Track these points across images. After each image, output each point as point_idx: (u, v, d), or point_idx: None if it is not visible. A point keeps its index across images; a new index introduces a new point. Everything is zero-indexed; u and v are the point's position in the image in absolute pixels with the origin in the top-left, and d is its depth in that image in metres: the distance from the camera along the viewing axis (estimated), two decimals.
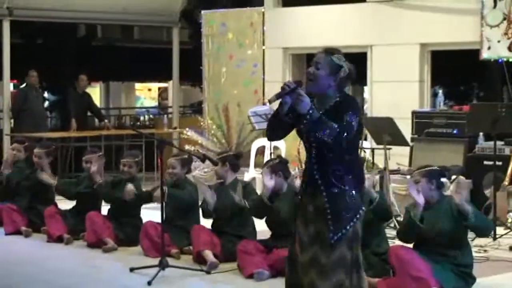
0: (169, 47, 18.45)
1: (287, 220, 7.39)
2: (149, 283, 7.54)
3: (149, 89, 35.02)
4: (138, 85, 34.31)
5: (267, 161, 8.76)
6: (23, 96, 14.92)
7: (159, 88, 34.08)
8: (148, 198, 9.11)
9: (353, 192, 5.41)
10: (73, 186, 9.98)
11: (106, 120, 16.51)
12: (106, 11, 15.42)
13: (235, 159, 8.81)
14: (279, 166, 8.14)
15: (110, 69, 25.59)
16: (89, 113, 16.24)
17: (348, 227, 5.35)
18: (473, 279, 7.22)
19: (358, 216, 5.39)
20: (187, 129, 12.70)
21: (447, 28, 12.78)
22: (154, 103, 33.44)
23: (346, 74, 5.47)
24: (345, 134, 5.27)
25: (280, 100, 5.32)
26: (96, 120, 16.86)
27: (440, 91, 12.39)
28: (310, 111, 5.19)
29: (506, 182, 10.08)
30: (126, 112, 27.73)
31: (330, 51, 5.55)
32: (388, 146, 10.57)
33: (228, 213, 8.44)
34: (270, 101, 5.34)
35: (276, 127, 5.54)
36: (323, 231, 5.34)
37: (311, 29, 14.33)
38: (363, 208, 5.48)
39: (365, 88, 33.29)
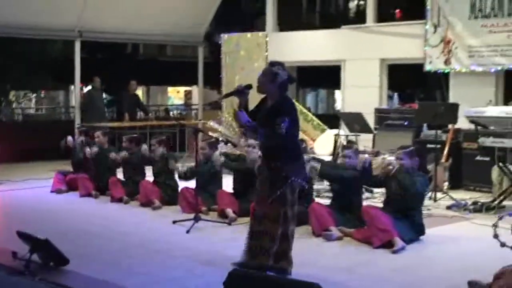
0: (192, 61, 18.50)
1: None
2: (188, 231, 7.60)
3: (178, 91, 34.93)
4: (169, 89, 34.28)
5: None
6: (89, 96, 14.93)
7: (185, 91, 34.00)
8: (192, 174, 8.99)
9: (285, 167, 5.55)
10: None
11: (150, 114, 16.55)
12: (147, 34, 15.39)
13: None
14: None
15: (149, 76, 25.58)
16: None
17: (279, 192, 5.52)
18: (423, 231, 7.24)
19: (286, 184, 5.54)
20: (210, 120, 12.76)
21: (399, 48, 12.84)
22: (181, 101, 33.34)
23: (282, 80, 5.58)
24: (279, 138, 5.50)
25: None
26: (143, 114, 16.81)
27: (395, 94, 12.39)
28: (246, 123, 5.60)
29: (443, 160, 10.15)
30: (160, 108, 27.83)
31: (272, 63, 5.77)
32: (357, 134, 10.65)
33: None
34: (220, 99, 5.64)
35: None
36: (264, 193, 5.59)
37: (301, 48, 14.37)
38: (294, 179, 5.58)
39: (336, 91, 33.52)
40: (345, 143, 10.59)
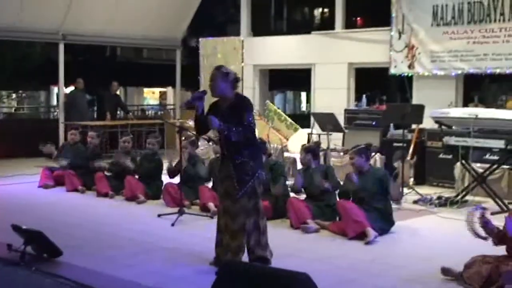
0: (167, 63, 18.38)
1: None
2: (173, 224, 7.56)
3: (153, 92, 34.76)
4: (145, 90, 34.07)
5: None
6: (72, 96, 14.77)
7: (160, 92, 33.85)
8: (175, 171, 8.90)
9: (251, 162, 5.55)
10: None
11: (130, 113, 16.41)
12: (125, 37, 15.29)
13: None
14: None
15: (126, 78, 25.38)
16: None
17: (248, 186, 5.53)
18: (393, 222, 7.31)
19: (254, 178, 5.56)
20: (189, 119, 12.66)
21: (366, 52, 12.91)
22: (156, 102, 33.16)
23: (233, 77, 5.62)
24: (247, 132, 5.54)
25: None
26: (123, 113, 16.68)
27: (364, 96, 12.42)
28: (220, 126, 5.44)
29: (408, 157, 10.23)
30: (138, 108, 27.64)
31: (218, 68, 5.74)
32: (329, 133, 10.68)
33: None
34: (181, 107, 5.57)
35: (199, 126, 5.75)
36: (231, 189, 5.53)
37: (273, 52, 14.42)
38: (260, 172, 5.62)
39: (302, 93, 33.61)
40: (319, 140, 10.66)
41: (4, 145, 13.49)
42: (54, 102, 17.20)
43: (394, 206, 7.75)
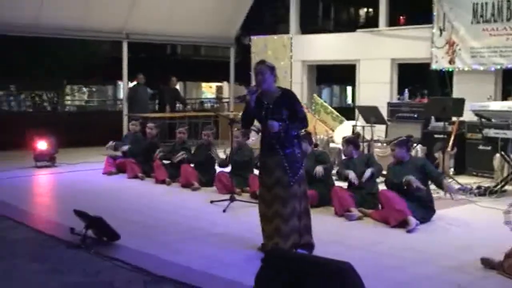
0: (222, 60, 18.29)
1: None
2: (224, 210, 7.44)
3: (210, 87, 34.88)
4: (203, 84, 34.21)
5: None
6: (134, 91, 14.80)
7: (216, 86, 33.93)
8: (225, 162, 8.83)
9: (298, 151, 5.40)
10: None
11: (188, 106, 16.37)
12: (185, 36, 15.17)
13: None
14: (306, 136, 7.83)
15: (186, 73, 25.47)
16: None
17: (299, 173, 5.37)
18: (434, 211, 7.03)
19: (302, 165, 5.45)
20: (241, 112, 12.46)
21: (409, 49, 12.57)
22: (213, 95, 33.25)
23: (276, 71, 5.47)
24: (304, 124, 5.44)
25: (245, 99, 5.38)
26: (182, 106, 16.67)
27: (406, 90, 12.06)
28: (281, 128, 5.28)
29: (449, 149, 9.87)
30: (196, 101, 27.77)
31: (263, 62, 5.54)
32: (373, 125, 10.39)
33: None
34: (234, 101, 5.36)
35: (246, 120, 5.58)
36: (283, 177, 5.33)
37: (320, 49, 14.17)
38: (303, 161, 5.54)
39: (348, 87, 33.21)
40: (360, 132, 10.38)
41: (74, 135, 13.57)
42: (121, 96, 17.25)
43: (434, 195, 7.43)
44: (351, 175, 7.37)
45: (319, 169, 7.52)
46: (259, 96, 5.45)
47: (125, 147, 10.42)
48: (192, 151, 9.63)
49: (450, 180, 9.23)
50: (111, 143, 10.65)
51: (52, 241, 6.03)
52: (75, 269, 5.11)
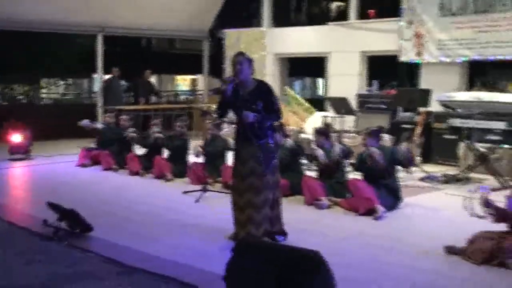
0: (196, 53, 18.12)
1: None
2: (197, 201, 7.37)
3: (185, 80, 34.64)
4: (178, 77, 33.97)
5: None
6: (109, 83, 14.61)
7: (191, 79, 33.71)
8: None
9: (272, 142, 5.37)
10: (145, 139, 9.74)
11: (163, 99, 16.22)
12: (159, 29, 15.07)
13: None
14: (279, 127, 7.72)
15: (161, 66, 25.23)
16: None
17: (272, 163, 5.34)
18: (401, 198, 7.05)
19: (276, 156, 5.43)
20: (214, 104, 12.39)
21: (378, 41, 12.56)
22: (188, 88, 33.03)
23: (253, 64, 5.45)
24: (278, 116, 5.41)
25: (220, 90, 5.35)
26: (156, 98, 16.52)
27: (375, 82, 12.09)
28: (255, 118, 5.26)
29: (415, 138, 9.92)
30: (171, 94, 27.58)
31: (242, 53, 5.50)
32: (343, 116, 10.39)
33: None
34: (208, 94, 5.29)
35: (222, 109, 5.50)
36: (257, 166, 5.29)
37: (292, 42, 14.10)
38: (277, 151, 5.51)
39: (319, 79, 33.22)
40: (330, 122, 10.38)
41: (50, 128, 13.37)
42: (96, 89, 17.04)
43: (401, 183, 7.45)
44: (319, 152, 7.31)
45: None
46: (235, 86, 5.39)
47: (99, 125, 10.32)
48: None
49: (416, 168, 9.29)
50: (85, 120, 10.44)
51: (25, 233, 5.93)
52: (48, 261, 5.02)
